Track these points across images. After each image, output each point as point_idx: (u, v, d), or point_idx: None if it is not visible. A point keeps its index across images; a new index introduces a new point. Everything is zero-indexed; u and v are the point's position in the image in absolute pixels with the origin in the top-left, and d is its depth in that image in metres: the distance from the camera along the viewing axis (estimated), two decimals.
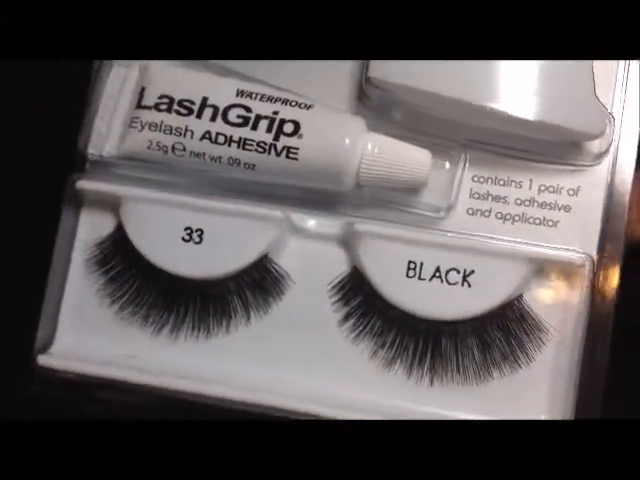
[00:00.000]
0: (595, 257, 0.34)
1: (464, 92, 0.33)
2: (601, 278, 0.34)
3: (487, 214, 0.35)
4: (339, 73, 0.36)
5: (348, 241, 0.35)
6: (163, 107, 0.36)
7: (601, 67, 0.34)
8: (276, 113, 0.35)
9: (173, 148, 0.35)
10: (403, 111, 0.35)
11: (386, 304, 0.35)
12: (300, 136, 0.34)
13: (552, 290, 0.34)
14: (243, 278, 0.36)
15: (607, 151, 0.34)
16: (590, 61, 0.34)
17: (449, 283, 0.34)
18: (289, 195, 0.35)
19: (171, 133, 0.35)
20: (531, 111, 0.33)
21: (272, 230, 0.35)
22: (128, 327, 0.36)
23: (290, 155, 0.34)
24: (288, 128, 0.34)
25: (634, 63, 0.35)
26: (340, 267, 0.35)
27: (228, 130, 0.35)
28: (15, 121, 0.39)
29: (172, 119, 0.35)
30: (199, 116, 0.35)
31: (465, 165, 0.35)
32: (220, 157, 0.35)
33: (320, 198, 0.35)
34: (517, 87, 0.33)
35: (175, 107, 0.36)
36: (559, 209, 0.35)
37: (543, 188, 0.35)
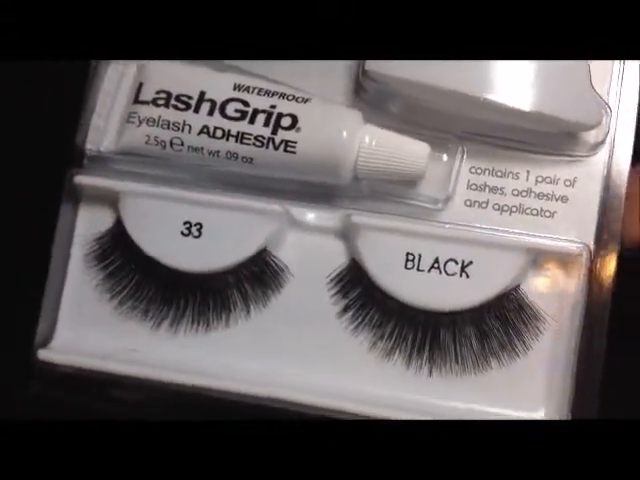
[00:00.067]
0: (592, 247, 0.34)
1: (461, 84, 0.34)
2: (598, 267, 0.34)
3: (484, 205, 0.35)
4: (336, 66, 0.36)
5: (346, 233, 0.35)
6: (161, 102, 0.36)
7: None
8: (273, 107, 0.35)
9: (171, 143, 0.35)
10: (400, 104, 0.35)
11: (385, 295, 0.35)
12: (298, 129, 0.34)
13: (549, 280, 0.35)
14: (242, 271, 0.36)
15: (603, 141, 0.35)
16: None
17: (448, 274, 0.34)
18: (287, 189, 0.35)
19: (169, 128, 0.35)
20: (528, 102, 0.33)
21: (271, 224, 0.35)
22: (128, 321, 0.37)
23: (288, 149, 0.34)
24: (286, 122, 0.34)
25: None
26: (339, 259, 0.36)
27: (226, 124, 0.35)
28: (13, 118, 0.39)
29: (170, 114, 0.35)
30: (197, 111, 0.35)
31: (462, 157, 0.35)
32: (218, 151, 0.35)
33: (318, 191, 0.35)
34: (513, 78, 0.34)
35: (173, 102, 0.36)
36: (556, 200, 0.35)
37: (540, 179, 0.35)
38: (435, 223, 0.35)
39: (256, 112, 0.35)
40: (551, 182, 0.35)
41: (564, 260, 0.34)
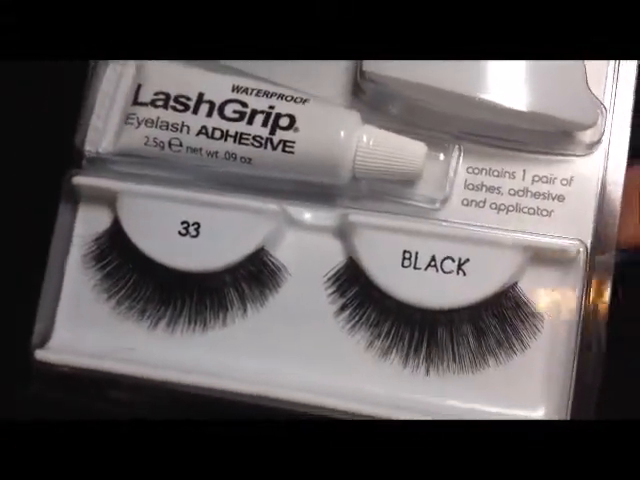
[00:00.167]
0: (588, 245, 0.34)
1: (457, 84, 0.34)
2: (594, 266, 0.34)
3: (482, 205, 0.35)
4: (334, 67, 0.36)
5: (343, 232, 0.36)
6: (159, 103, 0.36)
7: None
8: (272, 108, 0.35)
9: (170, 144, 0.36)
10: (398, 104, 0.36)
11: (382, 294, 0.35)
12: (296, 130, 0.34)
13: (547, 277, 0.35)
14: (240, 271, 0.36)
15: (599, 141, 0.35)
16: None
17: (444, 272, 0.34)
18: (285, 188, 0.36)
19: (167, 129, 0.36)
20: (524, 102, 0.34)
21: (268, 223, 0.36)
22: (125, 321, 0.37)
23: (286, 149, 0.34)
24: (284, 122, 0.35)
25: None
26: (336, 258, 0.36)
27: (224, 125, 0.35)
28: (11, 118, 0.39)
29: (168, 115, 0.36)
30: (195, 112, 0.35)
31: (459, 157, 0.35)
32: (217, 152, 0.35)
33: (316, 191, 0.36)
34: (510, 78, 0.34)
35: (171, 103, 0.36)
36: (552, 199, 0.35)
37: (537, 178, 0.35)
38: (431, 221, 0.35)
39: (254, 113, 0.35)
40: (547, 181, 0.35)
41: (561, 258, 0.34)
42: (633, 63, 0.35)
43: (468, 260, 0.34)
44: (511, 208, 0.35)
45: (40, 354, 0.36)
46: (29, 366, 0.36)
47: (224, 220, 0.36)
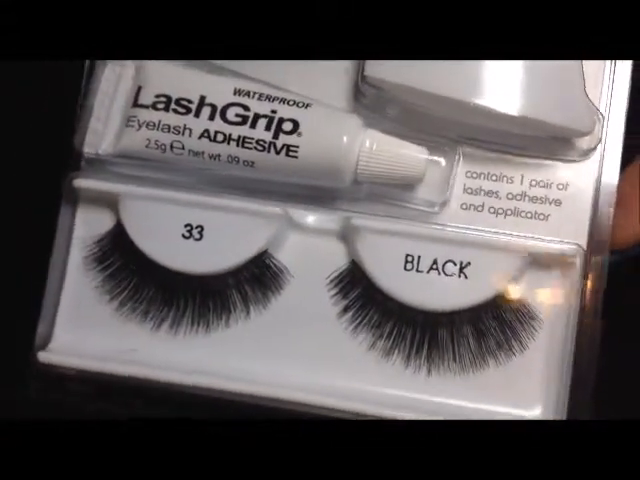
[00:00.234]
0: (585, 248, 0.35)
1: (457, 90, 0.34)
2: (591, 268, 0.35)
3: (480, 209, 0.36)
4: (334, 72, 0.37)
5: (346, 236, 0.36)
6: (160, 106, 0.36)
7: (590, 65, 0.35)
8: (274, 112, 0.35)
9: (172, 147, 0.36)
10: (398, 109, 0.36)
11: (384, 296, 0.35)
12: (299, 134, 0.35)
13: (545, 280, 0.35)
14: (243, 273, 0.36)
15: (596, 147, 0.36)
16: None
17: (446, 275, 0.35)
18: (288, 191, 0.36)
19: (169, 132, 0.36)
20: (522, 109, 0.34)
21: (271, 226, 0.36)
22: (127, 323, 0.37)
23: (290, 153, 0.35)
24: (287, 126, 0.35)
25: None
26: (338, 261, 0.36)
27: (227, 128, 0.35)
28: (11, 120, 0.39)
29: (170, 118, 0.36)
30: (197, 115, 0.36)
31: (459, 161, 0.36)
32: (219, 155, 0.35)
33: (318, 194, 0.36)
34: (509, 85, 0.34)
35: (173, 106, 0.36)
36: (550, 203, 0.36)
37: (534, 183, 0.36)
38: (434, 225, 0.36)
39: (257, 117, 0.35)
40: (545, 186, 0.36)
41: (558, 261, 0.35)
42: (628, 69, 0.36)
43: (469, 263, 0.35)
44: (509, 212, 0.36)
45: (43, 356, 0.36)
46: (31, 368, 0.36)
47: (227, 223, 0.36)
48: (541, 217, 0.36)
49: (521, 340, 0.35)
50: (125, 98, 0.37)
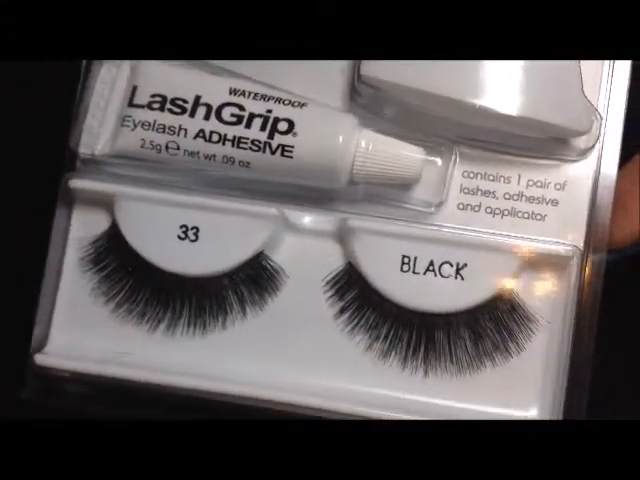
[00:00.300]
0: (582, 249, 0.35)
1: (454, 90, 0.34)
2: (588, 269, 0.35)
3: (477, 209, 0.36)
4: (330, 71, 0.36)
5: (342, 237, 0.36)
6: (156, 106, 0.36)
7: (588, 64, 0.35)
8: (270, 111, 0.35)
9: (167, 147, 0.36)
10: (394, 108, 0.36)
11: (381, 298, 0.35)
12: (295, 134, 0.35)
13: (541, 281, 0.35)
14: (239, 275, 0.36)
15: (593, 147, 0.35)
16: None
17: (443, 276, 0.35)
18: (283, 192, 0.36)
19: (164, 132, 0.36)
20: (520, 108, 0.34)
21: (267, 227, 0.36)
22: (124, 325, 0.37)
23: (285, 153, 0.35)
24: (282, 126, 0.35)
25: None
26: (335, 262, 0.36)
27: (222, 128, 0.35)
28: (7, 121, 0.39)
29: (165, 118, 0.36)
30: (192, 115, 0.35)
31: (455, 161, 0.36)
32: (214, 155, 0.35)
33: (314, 195, 0.36)
34: (506, 85, 0.34)
35: (168, 106, 0.36)
36: (546, 203, 0.36)
37: (531, 183, 0.36)
38: (430, 226, 0.36)
39: (252, 116, 0.35)
40: (542, 186, 0.36)
41: (555, 262, 0.35)
42: (626, 68, 0.36)
43: (466, 265, 0.35)
44: (506, 212, 0.36)
45: (39, 359, 0.36)
46: (27, 370, 0.36)
47: (223, 224, 0.36)
48: (538, 217, 0.36)
49: (518, 341, 0.35)
50: (121, 98, 0.37)
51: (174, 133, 0.35)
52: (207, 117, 0.35)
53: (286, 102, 0.35)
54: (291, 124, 0.35)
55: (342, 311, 0.36)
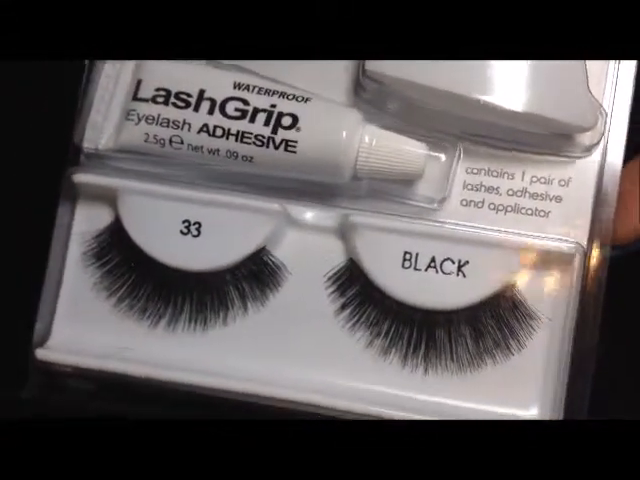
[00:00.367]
0: (585, 246, 0.35)
1: (458, 85, 0.34)
2: (591, 266, 0.35)
3: (480, 205, 0.36)
4: (335, 66, 0.36)
5: (344, 233, 0.36)
6: (160, 100, 0.36)
7: (594, 61, 0.35)
8: (274, 106, 0.35)
9: (171, 141, 0.36)
10: (398, 104, 0.36)
11: (382, 294, 0.35)
12: (298, 129, 0.34)
13: (544, 279, 0.35)
14: (241, 270, 0.36)
15: (598, 143, 0.35)
16: None
17: (444, 273, 0.35)
18: (286, 187, 0.36)
19: (168, 126, 0.36)
20: (524, 104, 0.34)
21: (269, 222, 0.36)
22: (126, 320, 0.37)
23: (289, 148, 0.34)
24: (286, 121, 0.35)
25: None
26: (336, 258, 0.36)
27: (226, 123, 0.35)
28: (10, 115, 0.39)
29: (169, 112, 0.36)
30: (196, 109, 0.35)
31: (459, 157, 0.36)
32: (218, 150, 0.35)
33: (317, 190, 0.36)
34: (510, 80, 0.34)
35: (172, 100, 0.36)
36: (550, 200, 0.35)
37: (535, 179, 0.36)
38: (432, 223, 0.35)
39: (256, 111, 0.35)
40: (545, 182, 0.36)
41: (558, 259, 0.35)
42: (632, 65, 0.35)
43: (468, 262, 0.35)
44: (509, 209, 0.36)
45: (41, 353, 0.36)
46: (29, 365, 0.36)
47: (225, 219, 0.36)
48: (542, 214, 0.35)
49: (519, 339, 0.35)
50: (125, 92, 0.37)
51: (178, 127, 0.35)
52: (211, 111, 0.35)
53: (290, 97, 0.35)
54: (295, 119, 0.35)
55: (343, 307, 0.36)
